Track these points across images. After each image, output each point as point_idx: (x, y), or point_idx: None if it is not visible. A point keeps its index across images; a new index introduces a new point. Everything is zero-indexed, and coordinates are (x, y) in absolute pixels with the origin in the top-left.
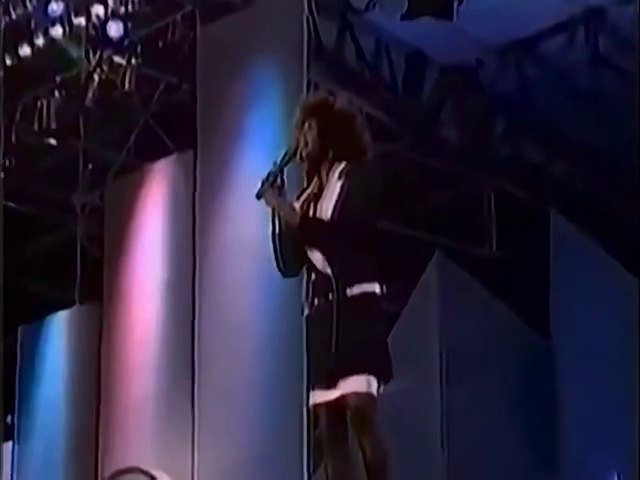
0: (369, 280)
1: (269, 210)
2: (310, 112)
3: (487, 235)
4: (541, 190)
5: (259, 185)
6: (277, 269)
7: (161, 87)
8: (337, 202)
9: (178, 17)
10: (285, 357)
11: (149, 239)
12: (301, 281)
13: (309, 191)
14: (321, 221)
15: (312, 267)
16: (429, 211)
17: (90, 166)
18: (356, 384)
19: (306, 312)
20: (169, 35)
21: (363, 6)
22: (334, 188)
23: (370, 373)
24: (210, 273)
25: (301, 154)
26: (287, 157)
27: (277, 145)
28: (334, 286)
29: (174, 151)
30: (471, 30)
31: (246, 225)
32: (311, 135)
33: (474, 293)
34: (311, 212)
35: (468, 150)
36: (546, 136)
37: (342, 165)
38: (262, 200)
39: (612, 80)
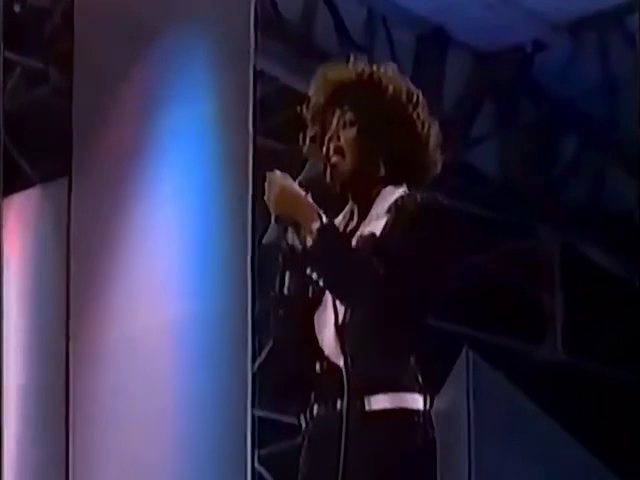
0: (406, 387)
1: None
2: (341, 94)
3: (549, 326)
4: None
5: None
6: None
7: (16, 76)
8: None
9: None
10: None
11: None
12: (230, 402)
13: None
14: None
15: (318, 352)
16: (456, 284)
17: None
18: None
19: (302, 425)
20: None
21: None
22: (374, 227)
23: None
24: (91, 380)
25: (331, 170)
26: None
27: (204, 164)
28: (346, 388)
29: (36, 180)
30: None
31: (150, 296)
32: (348, 136)
33: (527, 420)
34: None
35: (518, 185)
36: None
37: (399, 192)
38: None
39: None
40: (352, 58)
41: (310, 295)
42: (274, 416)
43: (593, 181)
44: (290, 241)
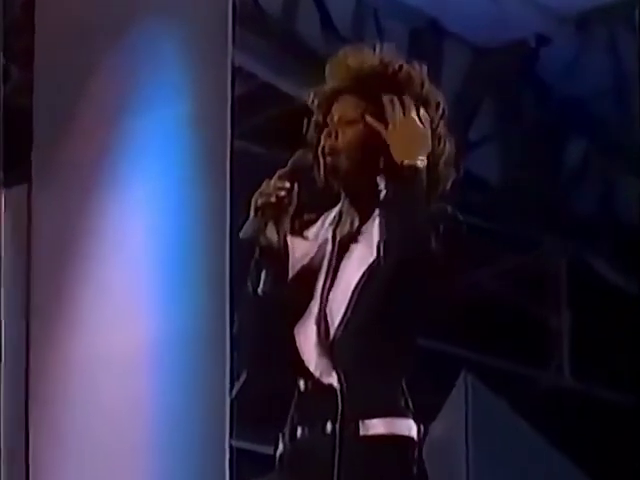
0: (400, 413)
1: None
2: (355, 85)
3: (555, 348)
4: None
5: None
6: None
7: None
8: (373, 264)
9: None
10: None
11: None
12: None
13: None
14: (339, 291)
15: (302, 368)
16: (453, 305)
17: None
18: None
19: (280, 449)
20: None
21: None
22: (372, 242)
23: None
24: (52, 411)
25: (326, 170)
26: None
27: (178, 168)
28: (339, 410)
29: None
30: None
31: (119, 315)
32: (348, 132)
33: (530, 451)
34: (322, 274)
35: (520, 193)
36: None
37: None
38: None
39: None
40: (378, 47)
41: (289, 300)
42: (255, 447)
43: (603, 188)
44: (269, 236)
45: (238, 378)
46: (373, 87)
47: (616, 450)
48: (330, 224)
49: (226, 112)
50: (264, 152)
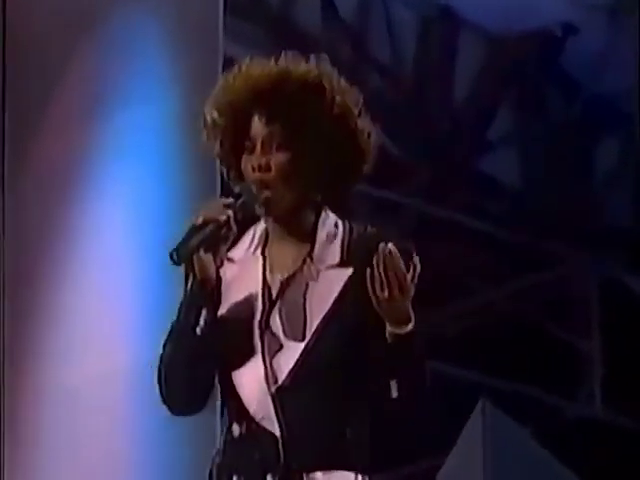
0: (345, 465)
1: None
2: (266, 108)
3: (585, 375)
4: None
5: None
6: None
7: None
8: (332, 316)
9: None
10: None
11: None
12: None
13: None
14: (294, 339)
15: (240, 411)
16: (469, 325)
17: None
18: None
19: None
20: None
21: None
22: (330, 283)
23: None
24: (24, 452)
25: (264, 204)
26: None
27: (165, 169)
28: (281, 460)
29: None
30: None
31: (98, 339)
32: (279, 162)
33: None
34: (260, 308)
35: (544, 201)
36: None
37: (333, 216)
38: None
39: None
40: (283, 56)
41: (225, 337)
42: None
43: (638, 194)
44: (206, 267)
45: None
46: (286, 107)
47: None
48: (258, 243)
49: None
50: None
